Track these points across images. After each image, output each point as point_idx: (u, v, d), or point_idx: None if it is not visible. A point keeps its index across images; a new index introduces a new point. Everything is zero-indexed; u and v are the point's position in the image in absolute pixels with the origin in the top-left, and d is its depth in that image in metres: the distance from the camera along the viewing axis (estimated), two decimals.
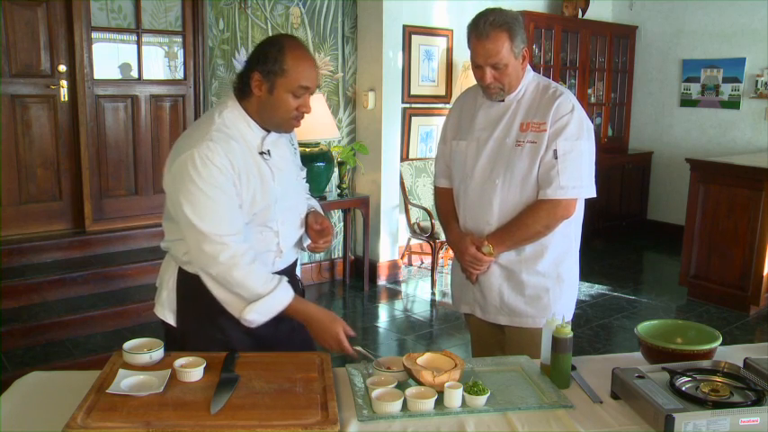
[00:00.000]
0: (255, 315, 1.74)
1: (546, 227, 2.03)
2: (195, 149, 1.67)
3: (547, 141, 2.00)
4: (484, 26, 1.94)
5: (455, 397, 1.51)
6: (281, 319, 1.81)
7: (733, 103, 6.23)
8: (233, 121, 1.76)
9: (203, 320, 1.83)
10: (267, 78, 1.72)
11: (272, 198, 1.80)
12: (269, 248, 1.85)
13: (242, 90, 1.77)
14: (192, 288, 1.82)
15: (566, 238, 2.12)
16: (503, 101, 2.08)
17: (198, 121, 1.84)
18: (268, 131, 1.81)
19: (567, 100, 2.03)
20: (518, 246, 2.08)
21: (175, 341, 1.89)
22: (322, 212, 2.06)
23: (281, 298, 1.76)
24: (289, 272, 1.95)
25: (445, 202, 2.26)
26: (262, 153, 1.80)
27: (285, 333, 1.87)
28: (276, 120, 1.78)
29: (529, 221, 2.03)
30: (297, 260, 2.03)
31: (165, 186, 1.77)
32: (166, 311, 1.89)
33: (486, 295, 2.16)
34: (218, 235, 1.68)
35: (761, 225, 4.37)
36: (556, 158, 1.98)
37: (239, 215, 1.74)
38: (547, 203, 2.01)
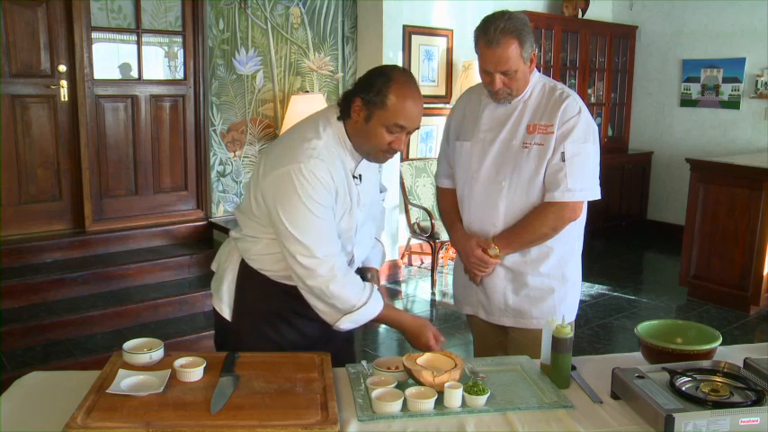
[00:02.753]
0: (350, 324, 1.77)
1: (553, 229, 2.03)
2: (303, 164, 1.66)
3: (554, 144, 1.99)
4: (494, 33, 1.92)
5: (455, 397, 1.51)
6: None
7: (733, 103, 6.22)
8: (335, 140, 1.76)
9: (260, 319, 1.84)
10: (367, 107, 1.69)
11: (354, 222, 1.81)
12: None
13: (343, 111, 1.76)
14: (253, 286, 1.83)
15: (570, 239, 2.11)
16: (509, 102, 2.07)
17: (302, 129, 1.79)
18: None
19: (575, 102, 2.02)
20: (524, 248, 2.07)
21: (228, 336, 1.90)
22: (379, 266, 2.08)
23: (373, 308, 1.78)
24: None
25: (448, 202, 2.25)
26: (354, 177, 1.79)
27: (333, 332, 1.88)
28: (366, 149, 1.76)
29: (536, 224, 2.02)
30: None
31: (259, 186, 1.74)
32: (224, 305, 1.89)
33: (491, 297, 2.15)
34: (319, 249, 1.68)
35: (761, 225, 4.37)
36: (563, 161, 1.98)
37: (336, 231, 1.75)
38: (554, 206, 2.00)
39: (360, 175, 1.81)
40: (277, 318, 1.84)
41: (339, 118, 1.76)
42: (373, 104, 1.68)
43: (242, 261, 1.86)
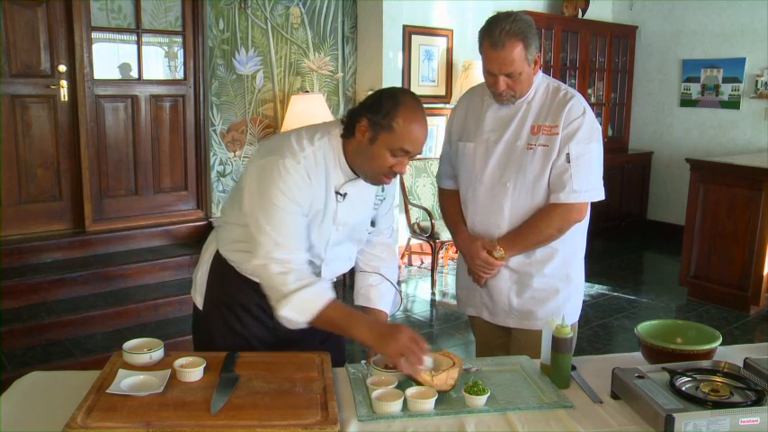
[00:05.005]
0: (288, 309, 1.64)
1: (559, 230, 2.02)
2: (287, 159, 1.65)
3: (559, 145, 1.98)
4: (499, 35, 1.90)
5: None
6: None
7: (733, 103, 6.22)
8: (326, 151, 1.73)
9: (226, 310, 1.85)
10: (373, 128, 1.66)
11: (324, 237, 1.78)
12: None
13: (347, 129, 1.73)
14: (222, 275, 1.83)
15: (574, 240, 2.11)
16: (512, 104, 2.06)
17: (301, 131, 1.78)
18: (357, 176, 1.77)
19: (579, 103, 2.01)
20: (529, 249, 2.06)
21: (200, 325, 1.93)
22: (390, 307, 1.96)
23: (315, 296, 1.64)
24: None
25: (451, 204, 2.24)
26: (337, 193, 1.76)
27: (306, 334, 1.87)
28: (366, 170, 1.73)
29: (542, 225, 2.01)
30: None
31: (245, 172, 1.74)
32: (197, 293, 1.93)
33: (495, 298, 2.15)
34: (283, 239, 1.65)
35: (761, 225, 4.37)
36: (569, 162, 1.97)
37: (306, 234, 1.72)
38: (560, 207, 2.00)
39: (344, 194, 1.76)
40: (242, 310, 1.83)
41: (342, 135, 1.74)
42: (380, 126, 1.65)
43: (216, 253, 1.88)
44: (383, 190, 1.90)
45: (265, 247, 1.65)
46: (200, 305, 1.92)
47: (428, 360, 1.57)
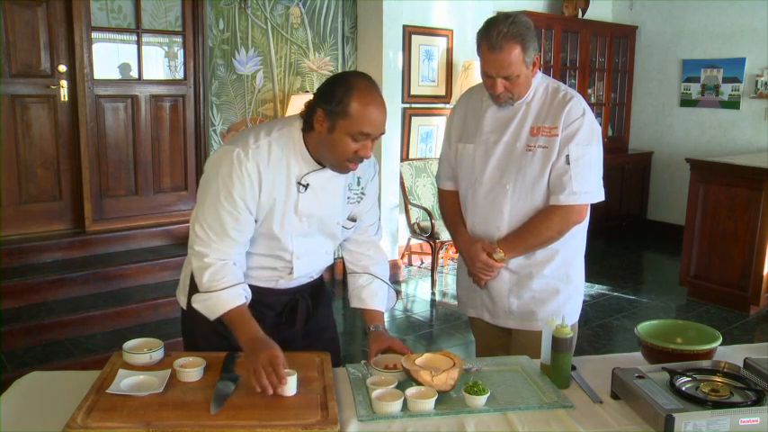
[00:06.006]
0: (199, 305, 1.72)
1: (559, 232, 2.02)
2: (238, 150, 1.68)
3: (559, 146, 1.98)
4: (497, 38, 1.89)
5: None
6: (291, 323, 1.80)
7: (733, 103, 6.22)
8: (285, 143, 1.73)
9: None
10: (329, 117, 1.65)
11: (287, 229, 1.77)
12: (275, 267, 1.84)
13: (306, 123, 1.73)
14: None
15: (574, 241, 2.11)
16: (511, 105, 2.05)
17: (262, 125, 1.80)
18: (323, 166, 1.76)
19: (578, 104, 2.00)
20: (529, 251, 2.06)
21: (185, 326, 1.95)
22: (385, 309, 1.95)
23: (220, 302, 1.69)
24: (307, 288, 1.94)
25: (451, 205, 2.23)
26: (299, 183, 1.75)
27: (289, 334, 1.87)
28: (331, 159, 1.72)
29: (542, 227, 2.01)
30: (321, 277, 2.02)
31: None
32: (181, 294, 1.94)
33: (496, 300, 2.15)
34: (208, 229, 1.70)
35: (761, 225, 4.37)
36: (568, 164, 1.97)
37: (240, 230, 1.73)
38: (560, 209, 1.99)
39: (306, 184, 1.75)
40: None
41: (302, 129, 1.74)
42: (336, 114, 1.64)
43: None
44: (358, 183, 1.89)
45: (192, 238, 1.73)
46: (183, 305, 1.93)
47: (289, 387, 1.52)
